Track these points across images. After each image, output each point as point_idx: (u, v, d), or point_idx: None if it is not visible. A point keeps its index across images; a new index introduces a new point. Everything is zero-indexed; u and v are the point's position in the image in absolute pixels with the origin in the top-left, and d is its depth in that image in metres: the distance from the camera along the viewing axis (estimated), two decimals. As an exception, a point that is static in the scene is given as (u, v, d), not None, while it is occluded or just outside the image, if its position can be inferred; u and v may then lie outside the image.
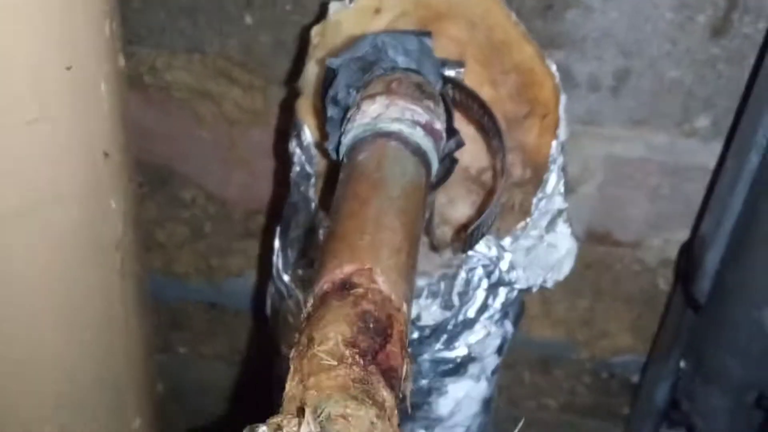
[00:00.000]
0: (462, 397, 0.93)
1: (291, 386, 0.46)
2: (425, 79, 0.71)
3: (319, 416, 0.43)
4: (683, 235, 1.12)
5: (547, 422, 1.36)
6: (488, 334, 0.88)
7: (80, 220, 0.81)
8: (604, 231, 1.14)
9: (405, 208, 0.59)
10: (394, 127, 0.64)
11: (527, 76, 0.84)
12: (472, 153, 0.82)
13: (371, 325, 0.48)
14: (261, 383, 1.15)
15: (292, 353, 0.48)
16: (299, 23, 1.00)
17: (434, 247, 0.84)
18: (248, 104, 1.09)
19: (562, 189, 0.85)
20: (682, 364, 1.09)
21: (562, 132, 0.84)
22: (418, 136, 0.65)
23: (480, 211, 0.83)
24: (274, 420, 0.43)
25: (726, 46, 0.95)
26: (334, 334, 0.47)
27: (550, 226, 0.85)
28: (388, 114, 0.65)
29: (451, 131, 0.70)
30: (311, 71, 0.86)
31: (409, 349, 0.51)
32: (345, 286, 0.51)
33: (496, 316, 0.87)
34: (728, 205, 0.97)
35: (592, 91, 1.01)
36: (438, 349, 0.87)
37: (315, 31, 0.87)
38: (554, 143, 0.83)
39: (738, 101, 0.99)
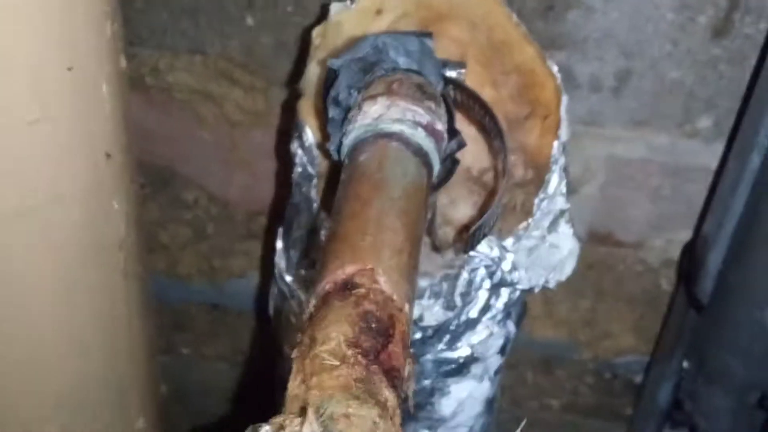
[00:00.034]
0: (465, 398, 0.93)
1: (293, 386, 0.46)
2: (426, 80, 0.71)
3: (321, 416, 0.43)
4: (685, 235, 1.12)
5: (550, 422, 1.36)
6: (491, 335, 0.88)
7: (82, 221, 0.81)
8: (606, 231, 1.14)
9: (406, 208, 0.59)
10: (396, 127, 0.65)
11: (528, 77, 0.84)
12: (474, 154, 0.82)
13: (373, 325, 0.48)
14: (264, 384, 1.16)
15: (295, 353, 0.48)
16: (300, 24, 1.00)
17: (436, 248, 0.84)
18: (250, 105, 1.09)
19: (563, 189, 0.85)
20: (684, 364, 1.09)
21: (564, 133, 0.84)
22: (420, 136, 0.65)
23: (482, 211, 0.83)
24: (277, 420, 0.43)
25: (727, 46, 0.96)
26: (336, 334, 0.47)
27: (552, 226, 0.86)
28: (389, 115, 0.65)
29: (453, 132, 0.70)
30: (312, 72, 0.86)
31: (412, 350, 0.52)
32: (347, 287, 0.51)
33: (499, 317, 0.87)
34: (730, 206, 0.97)
35: (593, 92, 1.01)
36: (440, 350, 0.87)
37: (316, 32, 0.87)
38: (556, 144, 0.83)
39: (739, 102, 0.99)
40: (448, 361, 0.88)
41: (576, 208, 0.97)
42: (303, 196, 0.87)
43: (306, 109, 0.86)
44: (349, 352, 0.46)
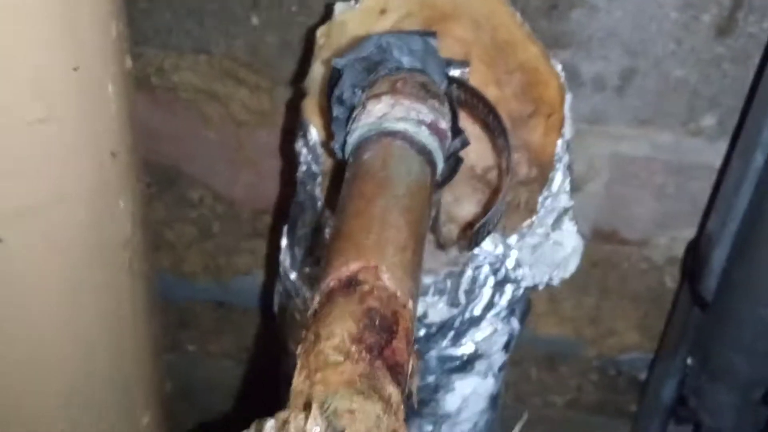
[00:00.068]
0: (469, 394, 0.93)
1: (298, 382, 0.47)
2: (430, 79, 0.72)
3: (325, 411, 0.43)
4: (690, 233, 1.12)
5: (554, 419, 1.36)
6: (495, 331, 0.88)
7: (88, 221, 0.82)
8: (611, 229, 1.14)
9: (410, 206, 0.59)
10: (400, 126, 0.65)
11: (532, 76, 0.84)
12: (478, 152, 0.83)
13: (377, 322, 0.49)
14: (269, 381, 1.16)
15: (299, 349, 0.49)
16: (305, 24, 1.01)
17: (440, 245, 0.84)
18: (255, 105, 1.09)
19: (567, 187, 0.85)
20: (689, 361, 1.09)
21: (568, 131, 0.84)
22: (423, 135, 0.65)
23: (486, 209, 0.83)
24: (282, 415, 0.44)
25: (731, 45, 0.96)
26: (340, 330, 0.48)
27: (556, 224, 0.86)
28: (393, 113, 0.66)
29: (456, 130, 0.70)
30: (317, 71, 0.87)
31: (416, 346, 0.52)
32: (351, 283, 0.51)
33: (503, 314, 0.87)
34: (734, 204, 0.97)
35: (597, 91, 1.01)
36: (445, 346, 0.87)
37: (320, 31, 0.87)
38: (559, 142, 0.83)
39: (743, 100, 0.99)
40: (453, 358, 0.89)
41: (581, 206, 0.97)
42: (308, 194, 0.88)
43: (310, 108, 0.86)
44: (353, 348, 0.46)
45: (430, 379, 0.90)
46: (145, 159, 0.94)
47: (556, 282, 0.89)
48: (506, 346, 0.92)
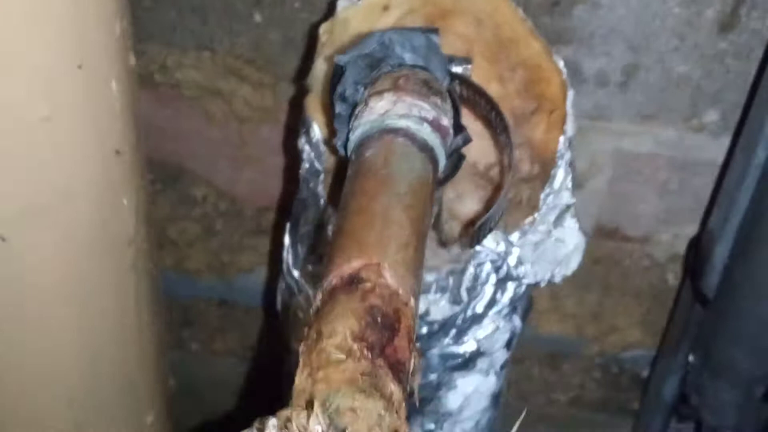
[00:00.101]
0: (471, 392, 0.93)
1: (300, 380, 0.47)
2: (432, 76, 0.72)
3: (327, 409, 0.44)
4: (692, 229, 1.12)
5: (557, 417, 1.36)
6: (497, 329, 0.88)
7: (92, 218, 0.82)
8: (613, 226, 1.14)
9: (412, 203, 0.59)
10: (402, 123, 0.65)
11: (534, 72, 0.84)
12: (480, 149, 0.83)
13: (379, 320, 0.49)
14: (272, 378, 1.16)
15: (302, 347, 0.49)
16: (308, 21, 1.01)
17: (443, 243, 0.84)
18: (258, 102, 1.10)
19: (569, 184, 0.85)
20: (690, 358, 1.09)
21: (570, 127, 0.84)
22: (426, 132, 0.65)
23: (488, 206, 0.83)
24: (284, 413, 0.44)
25: (734, 41, 0.96)
26: (342, 328, 0.48)
27: (558, 221, 0.86)
28: (395, 110, 0.66)
29: (459, 127, 0.70)
30: (320, 68, 0.87)
31: (418, 344, 0.52)
32: (353, 281, 0.51)
33: (505, 311, 0.87)
34: (736, 200, 0.97)
35: (600, 87, 1.01)
36: (447, 344, 0.87)
37: (323, 28, 0.87)
38: (562, 139, 0.83)
39: (746, 96, 0.99)
40: (455, 356, 0.89)
41: (583, 202, 0.97)
42: (310, 191, 0.88)
43: (313, 105, 0.87)
44: (355, 346, 0.47)
45: (432, 377, 0.90)
46: (148, 156, 0.94)
47: (557, 279, 0.89)
48: (508, 344, 0.92)
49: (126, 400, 0.99)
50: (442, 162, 0.67)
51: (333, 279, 0.52)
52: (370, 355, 0.47)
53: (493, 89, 0.81)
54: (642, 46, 0.97)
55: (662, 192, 1.09)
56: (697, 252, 1.08)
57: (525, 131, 0.84)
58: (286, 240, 0.95)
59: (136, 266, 0.90)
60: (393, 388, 0.46)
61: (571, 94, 0.84)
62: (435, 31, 0.73)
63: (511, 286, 0.86)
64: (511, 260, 0.84)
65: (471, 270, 0.84)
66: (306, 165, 0.88)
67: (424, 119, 0.65)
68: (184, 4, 1.02)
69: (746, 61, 0.97)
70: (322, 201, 0.87)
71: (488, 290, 0.85)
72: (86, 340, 0.89)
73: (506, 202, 0.74)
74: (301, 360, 0.48)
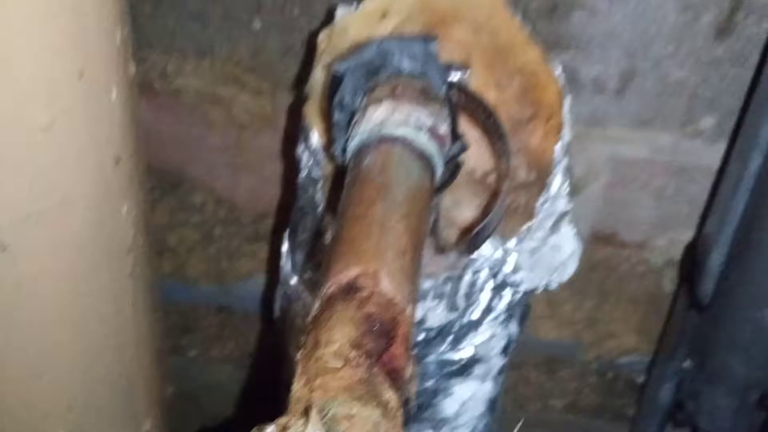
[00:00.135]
0: (468, 398, 0.93)
1: (297, 387, 0.47)
2: (430, 84, 0.72)
3: (324, 417, 0.44)
4: (688, 235, 1.12)
5: (553, 423, 1.36)
6: (493, 336, 0.88)
7: (92, 225, 0.82)
8: (609, 232, 1.14)
9: (409, 211, 0.60)
10: (399, 131, 0.65)
11: (531, 79, 0.84)
12: (477, 156, 0.83)
13: (376, 328, 0.49)
14: (270, 385, 1.16)
15: (299, 355, 0.49)
16: (307, 28, 1.01)
17: (440, 249, 0.84)
18: (257, 109, 1.10)
19: (566, 190, 0.86)
20: (686, 364, 1.10)
21: (566, 134, 0.85)
22: (423, 140, 0.65)
23: (485, 213, 0.84)
24: (281, 420, 0.44)
25: (730, 46, 0.96)
26: (339, 336, 0.48)
27: (555, 227, 0.86)
28: (393, 118, 0.66)
29: (456, 135, 0.71)
30: (318, 76, 0.87)
31: (414, 351, 0.52)
32: (350, 289, 0.52)
33: (501, 318, 0.88)
34: (732, 206, 0.97)
35: (597, 93, 1.02)
36: (443, 351, 0.87)
37: (322, 36, 0.87)
38: (558, 145, 0.84)
39: (742, 102, 1.00)
40: (451, 362, 0.89)
41: (579, 208, 0.98)
42: (308, 199, 0.88)
43: (312, 113, 0.87)
44: (352, 354, 0.47)
45: (429, 383, 0.90)
46: (148, 163, 0.95)
47: (554, 286, 0.89)
48: (505, 350, 0.92)
49: (124, 406, 0.99)
50: (440, 169, 0.68)
51: (330, 287, 0.53)
52: (366, 363, 0.47)
53: (490, 95, 0.81)
54: (639, 52, 0.98)
55: (658, 198, 1.09)
56: (692, 258, 1.09)
57: (522, 138, 0.84)
58: (285, 247, 0.95)
59: (134, 273, 0.90)
60: (390, 395, 0.47)
61: (567, 100, 0.85)
62: (433, 38, 0.74)
63: (507, 292, 0.86)
64: (508, 267, 0.84)
65: (468, 277, 0.84)
66: (304, 172, 0.88)
67: (421, 127, 0.66)
68: (184, 11, 1.03)
69: (742, 67, 0.97)
70: (320, 208, 0.87)
71: (485, 297, 0.85)
72: (84, 346, 0.89)
73: (503, 209, 0.74)
74: (298, 367, 0.48)
